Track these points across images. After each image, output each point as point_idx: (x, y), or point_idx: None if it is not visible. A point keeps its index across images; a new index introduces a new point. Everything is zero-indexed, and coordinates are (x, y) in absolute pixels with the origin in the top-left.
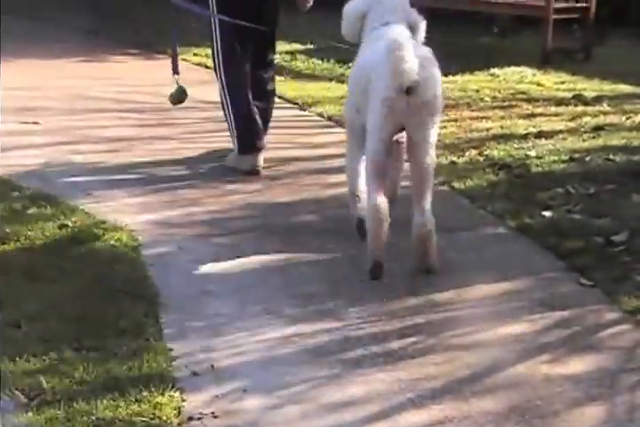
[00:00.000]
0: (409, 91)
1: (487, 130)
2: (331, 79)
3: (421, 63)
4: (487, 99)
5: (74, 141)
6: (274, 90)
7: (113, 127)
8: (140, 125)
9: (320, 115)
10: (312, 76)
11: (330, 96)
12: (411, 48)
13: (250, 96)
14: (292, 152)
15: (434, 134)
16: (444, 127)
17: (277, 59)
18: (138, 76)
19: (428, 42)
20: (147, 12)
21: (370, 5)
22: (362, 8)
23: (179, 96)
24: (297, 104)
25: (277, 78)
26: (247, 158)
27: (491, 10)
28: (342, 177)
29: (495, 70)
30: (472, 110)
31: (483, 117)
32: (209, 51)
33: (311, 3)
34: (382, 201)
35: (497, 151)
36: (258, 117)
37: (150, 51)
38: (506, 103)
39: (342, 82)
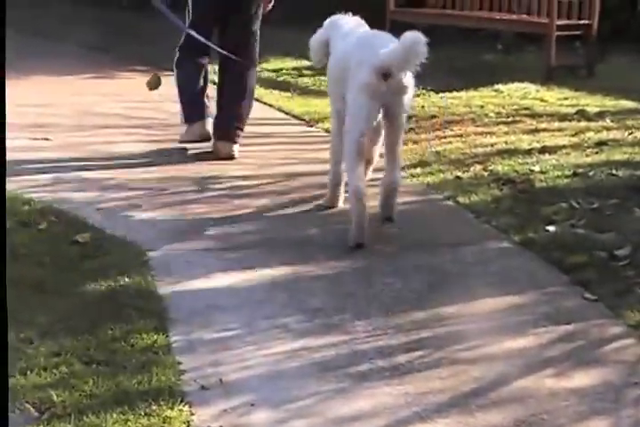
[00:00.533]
0: (386, 76)
1: (492, 145)
2: None
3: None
4: (491, 114)
5: (83, 157)
6: (248, 88)
7: (122, 143)
8: (149, 141)
9: (327, 131)
10: (319, 92)
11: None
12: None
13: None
14: (298, 167)
15: (407, 106)
16: (450, 143)
17: (284, 75)
18: (145, 92)
19: (434, 59)
20: (153, 28)
21: (329, 33)
22: (323, 36)
23: (156, 83)
24: (304, 120)
25: (284, 95)
26: (194, 126)
27: (494, 27)
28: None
29: (499, 86)
30: (477, 126)
31: (487, 133)
32: (217, 67)
33: (269, 7)
34: (363, 183)
35: (501, 166)
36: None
37: (157, 67)
38: (510, 119)
39: None
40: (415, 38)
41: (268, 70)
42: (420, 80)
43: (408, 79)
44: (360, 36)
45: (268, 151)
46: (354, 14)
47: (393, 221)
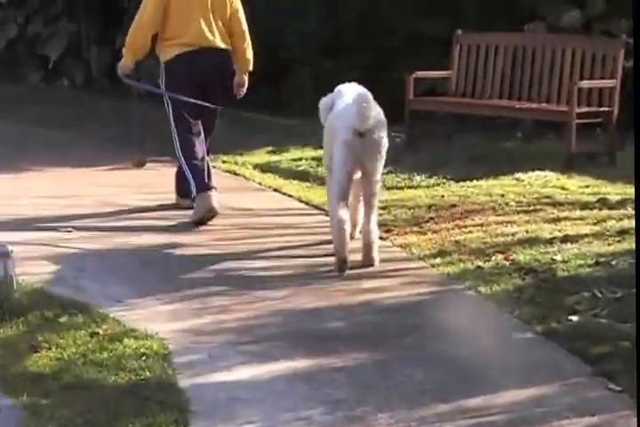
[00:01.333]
0: (362, 135)
1: (513, 234)
2: None
3: (375, 114)
4: (512, 203)
5: (106, 249)
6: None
7: (144, 234)
8: (169, 232)
9: None
10: None
11: None
12: (372, 101)
13: (201, 154)
14: (320, 259)
15: (380, 165)
16: (470, 232)
17: (303, 165)
18: (166, 183)
19: (452, 146)
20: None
21: (334, 97)
22: (330, 101)
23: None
24: (324, 210)
25: (303, 184)
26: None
27: (514, 115)
28: (372, 283)
29: (520, 175)
30: (497, 215)
31: (508, 222)
32: (238, 158)
33: (244, 92)
34: (345, 216)
35: (523, 256)
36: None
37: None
38: (531, 207)
39: None
40: (358, 98)
41: (288, 160)
42: (440, 169)
43: (381, 138)
44: (345, 104)
45: (287, 242)
46: (378, 103)
47: (374, 266)
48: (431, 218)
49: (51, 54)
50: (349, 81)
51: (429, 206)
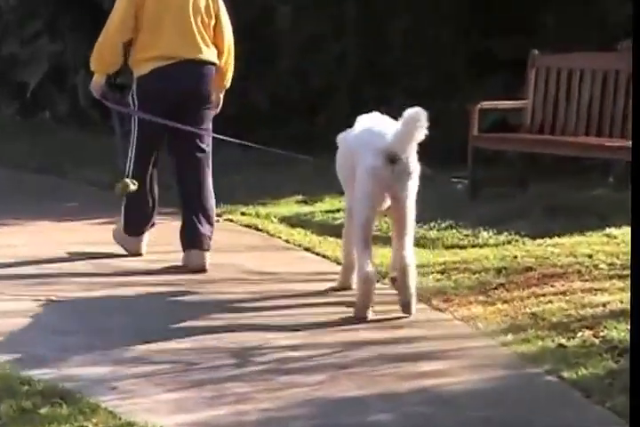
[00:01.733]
0: (393, 160)
1: (603, 305)
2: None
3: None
4: (603, 266)
5: (95, 321)
6: (205, 192)
7: (142, 301)
8: (174, 302)
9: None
10: (386, 240)
11: None
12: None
13: (149, 191)
14: (363, 334)
15: (413, 194)
16: (550, 302)
17: (341, 218)
18: (170, 240)
19: (527, 194)
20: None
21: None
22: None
23: (123, 190)
24: None
25: (333, 241)
26: (132, 240)
27: (604, 155)
28: (427, 365)
29: (612, 230)
30: (584, 280)
31: (598, 289)
32: (260, 209)
33: (218, 110)
34: (371, 269)
35: (616, 332)
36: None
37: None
38: (625, 272)
39: None
40: (414, 114)
41: (322, 211)
42: (512, 223)
43: (414, 164)
44: (366, 125)
45: (322, 314)
46: (432, 141)
47: (409, 314)
48: (501, 284)
49: (29, 80)
50: (393, 111)
51: (499, 270)
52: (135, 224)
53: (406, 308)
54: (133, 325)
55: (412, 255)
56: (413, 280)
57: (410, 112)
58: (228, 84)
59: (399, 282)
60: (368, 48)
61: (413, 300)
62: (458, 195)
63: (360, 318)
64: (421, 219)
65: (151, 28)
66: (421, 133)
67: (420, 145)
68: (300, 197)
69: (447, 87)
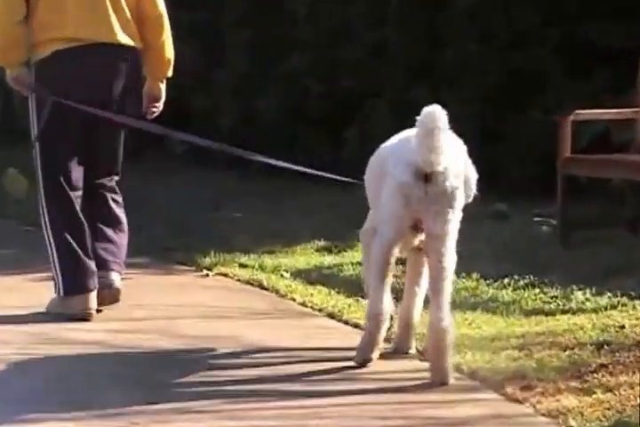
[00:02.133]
0: (428, 177)
1: None
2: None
3: (446, 151)
4: None
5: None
6: (119, 219)
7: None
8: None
9: (458, 369)
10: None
11: (472, 336)
12: (446, 126)
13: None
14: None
15: (453, 229)
16: None
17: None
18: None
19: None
20: (176, 209)
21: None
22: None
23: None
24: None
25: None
26: (74, 300)
27: None
28: None
29: None
30: None
31: None
32: (266, 259)
33: (158, 109)
34: (386, 304)
35: None
36: (89, 256)
37: (189, 263)
38: None
39: None
40: (427, 113)
41: (352, 263)
42: (617, 279)
43: (455, 189)
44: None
45: (351, 406)
46: (505, 163)
47: (447, 383)
48: (602, 366)
49: None
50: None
51: (599, 345)
52: (68, 278)
53: (440, 378)
54: None
55: (449, 317)
56: (449, 345)
57: (423, 112)
58: (168, 69)
59: (432, 348)
60: (416, 39)
61: (450, 378)
62: (542, 240)
63: (361, 363)
64: (491, 273)
65: (51, 3)
66: (441, 141)
67: (488, 170)
68: (321, 243)
69: (525, 89)
